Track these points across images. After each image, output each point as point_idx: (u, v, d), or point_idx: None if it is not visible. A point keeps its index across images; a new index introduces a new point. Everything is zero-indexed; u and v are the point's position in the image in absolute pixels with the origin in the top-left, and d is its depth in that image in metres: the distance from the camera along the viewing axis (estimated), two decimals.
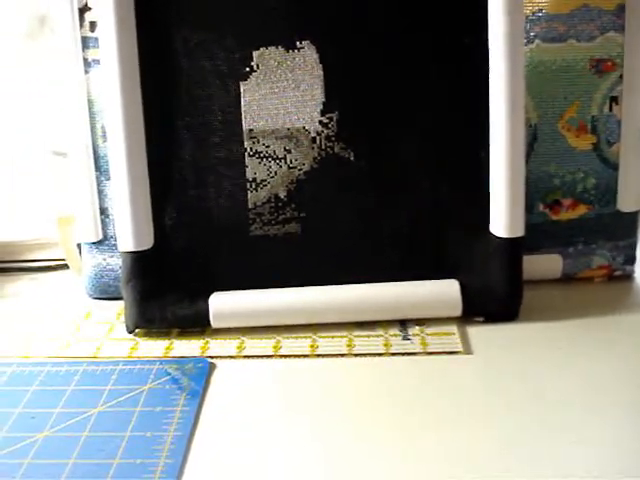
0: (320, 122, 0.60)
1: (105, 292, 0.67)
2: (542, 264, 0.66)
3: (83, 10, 0.62)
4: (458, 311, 0.60)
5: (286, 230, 0.62)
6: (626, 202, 0.65)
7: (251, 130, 0.60)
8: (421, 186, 0.61)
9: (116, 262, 0.65)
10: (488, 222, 0.60)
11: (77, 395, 0.53)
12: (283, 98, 0.60)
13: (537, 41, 0.62)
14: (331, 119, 0.60)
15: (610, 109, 0.64)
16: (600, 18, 0.62)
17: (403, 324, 0.60)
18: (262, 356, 0.57)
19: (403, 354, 0.56)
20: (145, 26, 0.58)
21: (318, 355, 0.57)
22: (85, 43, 0.63)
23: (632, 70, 0.62)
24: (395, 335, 0.59)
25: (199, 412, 0.50)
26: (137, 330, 0.61)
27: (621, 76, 0.63)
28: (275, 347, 0.58)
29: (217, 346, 0.59)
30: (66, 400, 0.52)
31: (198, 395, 0.52)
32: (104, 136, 0.63)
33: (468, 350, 0.57)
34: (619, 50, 0.62)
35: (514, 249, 0.59)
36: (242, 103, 0.60)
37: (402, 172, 0.61)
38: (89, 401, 0.52)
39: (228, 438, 0.48)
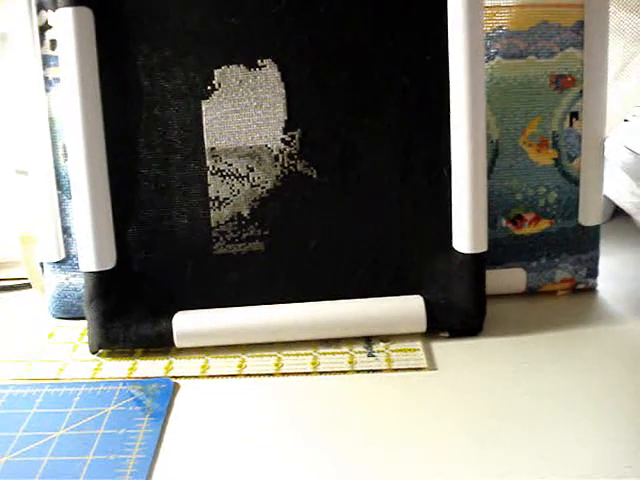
0: (282, 140, 0.60)
1: (68, 312, 0.66)
2: (506, 278, 0.66)
3: (43, 28, 0.62)
4: (422, 327, 0.60)
5: (250, 248, 0.61)
6: (587, 216, 0.66)
7: (213, 149, 0.60)
8: (384, 203, 0.61)
9: (79, 281, 0.65)
10: (451, 238, 0.60)
11: (39, 418, 0.52)
12: (245, 116, 0.60)
13: (498, 58, 0.62)
14: (293, 137, 0.60)
15: (570, 124, 0.64)
16: (559, 34, 0.62)
17: (368, 340, 0.60)
18: (226, 375, 0.57)
19: (368, 371, 0.56)
20: (106, 45, 0.58)
21: (283, 374, 0.57)
22: (46, 61, 0.62)
23: (591, 85, 0.63)
24: (360, 352, 0.59)
25: (162, 434, 0.50)
26: (100, 350, 0.60)
27: (581, 92, 0.63)
28: (240, 366, 0.58)
29: (181, 366, 0.58)
30: (28, 424, 0.51)
31: (161, 416, 0.51)
32: (65, 154, 0.63)
33: (432, 366, 0.57)
34: (579, 66, 0.63)
35: (477, 264, 0.60)
36: (204, 121, 0.60)
37: (365, 189, 0.61)
38: (51, 424, 0.51)
39: (191, 460, 0.47)
